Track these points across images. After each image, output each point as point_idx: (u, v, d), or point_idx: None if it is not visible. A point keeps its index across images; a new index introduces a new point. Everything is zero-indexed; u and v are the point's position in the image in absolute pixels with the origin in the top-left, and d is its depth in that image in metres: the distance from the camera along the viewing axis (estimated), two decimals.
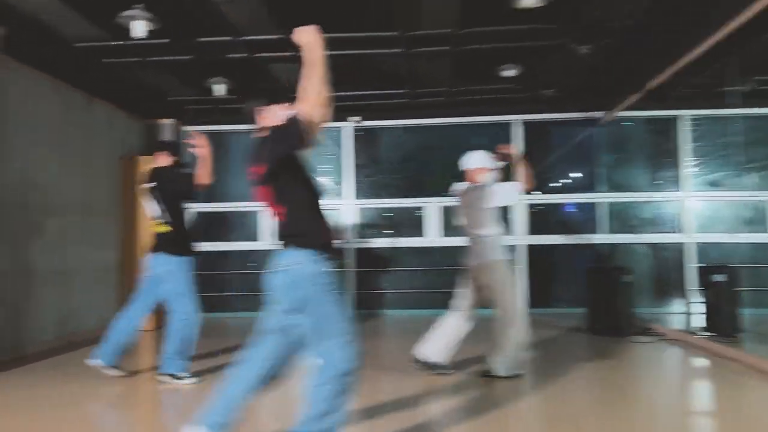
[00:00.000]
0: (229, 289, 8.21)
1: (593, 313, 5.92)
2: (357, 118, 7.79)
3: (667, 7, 4.50)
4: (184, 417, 3.00)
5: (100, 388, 4.14)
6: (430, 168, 8.28)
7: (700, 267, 6.10)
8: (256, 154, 2.42)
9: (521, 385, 3.94)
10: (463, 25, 4.80)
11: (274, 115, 2.48)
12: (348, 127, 7.92)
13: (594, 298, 5.96)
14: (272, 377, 2.37)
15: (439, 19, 4.67)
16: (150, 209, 4.19)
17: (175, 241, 4.06)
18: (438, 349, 4.09)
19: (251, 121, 2.57)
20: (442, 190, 7.85)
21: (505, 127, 7.78)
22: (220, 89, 6.17)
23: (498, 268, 3.98)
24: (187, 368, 4.11)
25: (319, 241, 2.34)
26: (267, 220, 7.90)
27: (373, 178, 8.14)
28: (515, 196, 4.14)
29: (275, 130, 2.35)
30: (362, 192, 8.02)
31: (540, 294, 7.69)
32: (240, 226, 8.31)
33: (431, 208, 7.79)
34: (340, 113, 7.59)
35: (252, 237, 8.04)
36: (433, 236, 7.78)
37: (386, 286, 8.02)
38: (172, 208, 4.09)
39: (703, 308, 5.79)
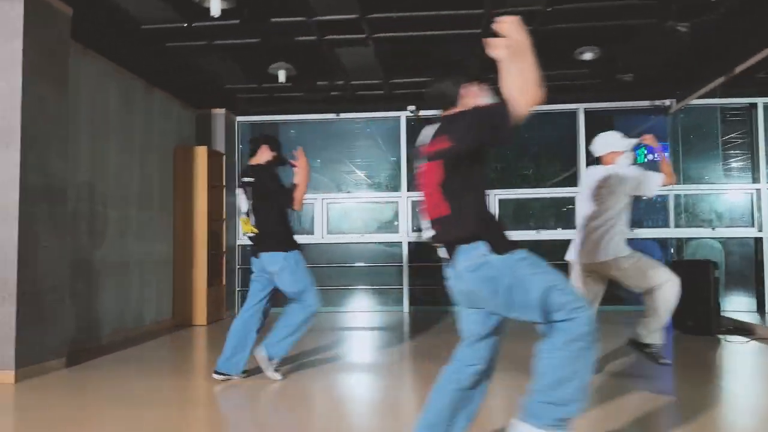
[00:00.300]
0: None
1: (679, 311, 5.56)
2: (412, 107, 7.51)
3: None
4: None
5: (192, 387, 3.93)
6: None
7: None
8: (442, 129, 2.14)
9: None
10: (551, 1, 4.49)
11: (474, 96, 2.20)
12: (403, 116, 7.65)
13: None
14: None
15: None
16: (243, 205, 3.97)
17: (275, 237, 3.82)
18: None
19: (436, 99, 2.28)
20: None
21: (571, 116, 7.48)
22: (281, 75, 5.92)
23: (626, 262, 3.58)
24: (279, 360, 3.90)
25: (497, 232, 2.06)
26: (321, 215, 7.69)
27: None
28: (656, 188, 3.74)
29: (480, 111, 2.03)
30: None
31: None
32: None
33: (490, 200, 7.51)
34: (396, 102, 7.38)
35: (309, 230, 7.82)
36: None
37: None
38: (263, 209, 3.85)
39: None
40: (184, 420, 3.19)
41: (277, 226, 3.83)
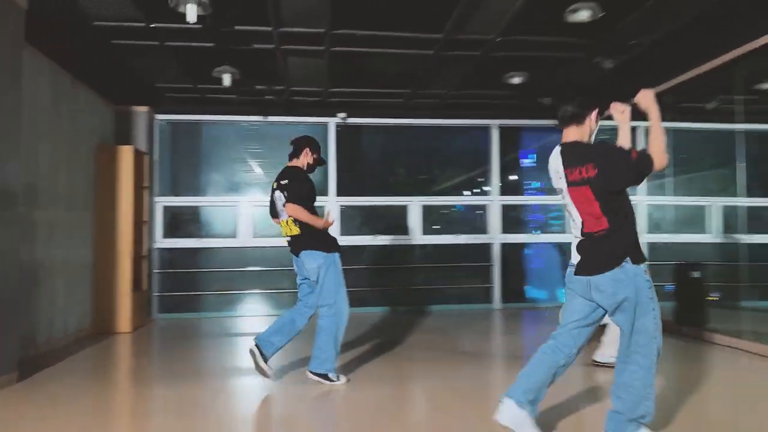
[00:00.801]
0: (198, 288, 7.79)
1: None
2: (342, 114, 7.73)
3: (679, 32, 4.98)
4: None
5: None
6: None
7: (679, 265, 6.77)
8: (584, 156, 2.59)
9: None
10: (506, 32, 4.98)
11: (594, 120, 2.71)
12: (332, 123, 7.84)
13: None
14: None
15: (491, 22, 4.80)
16: (278, 207, 4.05)
17: (316, 238, 3.89)
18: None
19: (570, 116, 2.68)
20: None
21: (485, 130, 8.16)
22: (226, 78, 5.89)
23: None
24: (335, 367, 3.96)
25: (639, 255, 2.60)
26: (246, 217, 7.64)
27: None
28: None
29: (632, 159, 2.50)
30: (344, 189, 7.96)
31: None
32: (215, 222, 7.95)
33: (414, 207, 7.95)
34: (327, 109, 7.57)
35: (231, 233, 7.72)
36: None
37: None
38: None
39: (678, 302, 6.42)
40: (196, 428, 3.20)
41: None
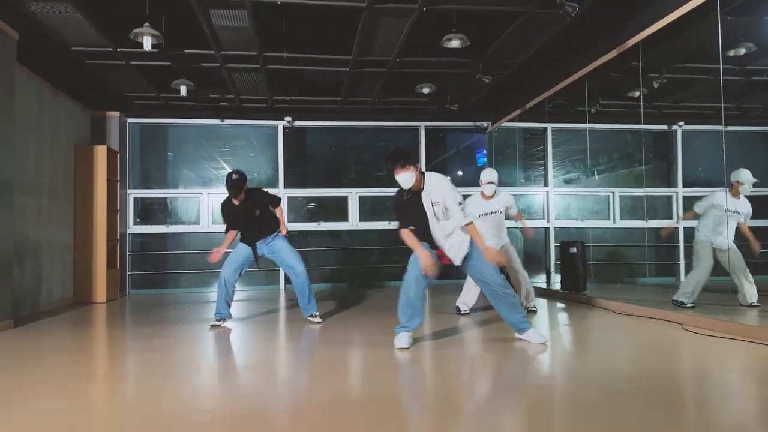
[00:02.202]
0: (167, 267, 9.04)
1: None
2: (288, 118, 9.01)
3: (545, 53, 6.33)
4: None
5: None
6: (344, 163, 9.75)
7: (561, 243, 8.15)
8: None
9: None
10: (401, 54, 6.29)
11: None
12: (280, 125, 9.12)
13: None
14: None
15: (383, 48, 6.11)
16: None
17: None
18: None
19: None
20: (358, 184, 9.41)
21: (414, 131, 9.48)
22: (183, 90, 7.13)
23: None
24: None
25: None
26: (207, 207, 8.91)
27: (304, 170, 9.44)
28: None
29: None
30: (290, 182, 9.25)
31: None
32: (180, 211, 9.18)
33: (352, 197, 9.26)
34: (274, 113, 8.84)
35: (195, 221, 8.98)
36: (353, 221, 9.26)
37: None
38: None
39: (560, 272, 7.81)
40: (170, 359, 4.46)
41: None
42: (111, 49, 5.98)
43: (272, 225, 5.46)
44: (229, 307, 5.41)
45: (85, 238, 7.69)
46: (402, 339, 4.16)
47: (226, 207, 5.38)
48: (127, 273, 8.73)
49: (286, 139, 9.17)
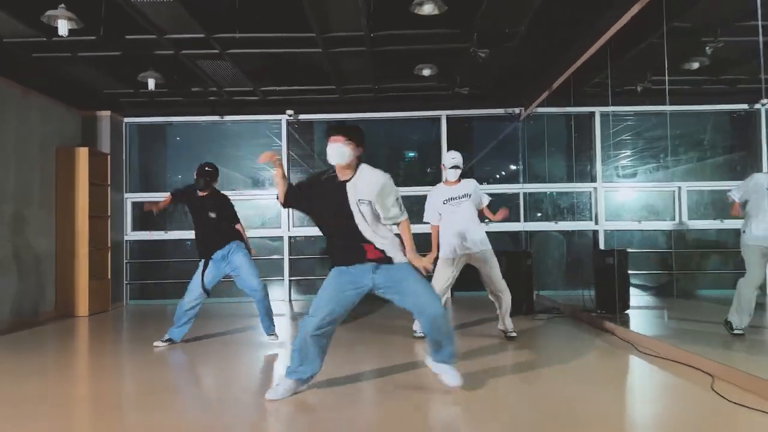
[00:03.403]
0: (164, 277, 8.45)
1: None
2: (290, 112, 8.14)
3: (551, 16, 5.00)
4: None
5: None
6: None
7: (597, 251, 6.70)
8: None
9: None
10: (372, 28, 5.21)
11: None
12: (283, 119, 8.26)
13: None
14: None
15: (347, 22, 5.06)
16: None
17: None
18: None
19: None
20: None
21: (436, 121, 8.30)
22: (151, 83, 6.43)
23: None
24: None
25: None
26: None
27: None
28: None
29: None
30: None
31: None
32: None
33: None
34: (274, 106, 8.00)
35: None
36: None
37: None
38: None
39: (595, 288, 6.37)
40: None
41: None
42: (45, 39, 5.34)
43: (228, 236, 5.05)
44: (186, 327, 5.02)
45: (66, 247, 7.21)
46: (279, 388, 3.21)
47: (188, 193, 5.11)
48: (125, 282, 8.24)
49: (290, 135, 8.31)
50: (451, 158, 4.87)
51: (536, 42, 5.62)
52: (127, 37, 5.38)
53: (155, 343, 4.94)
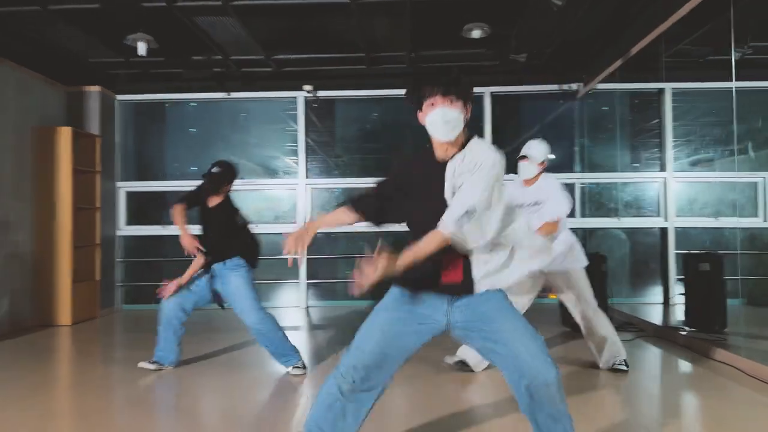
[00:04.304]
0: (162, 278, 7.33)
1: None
2: (309, 88, 6.97)
3: None
4: None
5: None
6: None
7: (683, 254, 5.51)
8: None
9: None
10: None
11: None
12: (300, 96, 7.10)
13: None
14: None
15: None
16: None
17: None
18: None
19: None
20: None
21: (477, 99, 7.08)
22: (141, 47, 5.28)
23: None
24: None
25: None
26: None
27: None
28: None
29: None
30: (314, 171, 7.25)
31: None
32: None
33: None
34: (290, 81, 6.84)
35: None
36: None
37: None
38: None
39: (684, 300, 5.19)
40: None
41: None
42: None
43: (235, 249, 3.90)
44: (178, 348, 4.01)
45: (45, 244, 6.12)
46: None
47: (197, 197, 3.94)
48: (117, 284, 7.14)
49: (308, 115, 7.15)
50: (527, 148, 3.65)
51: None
52: None
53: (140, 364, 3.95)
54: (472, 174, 1.89)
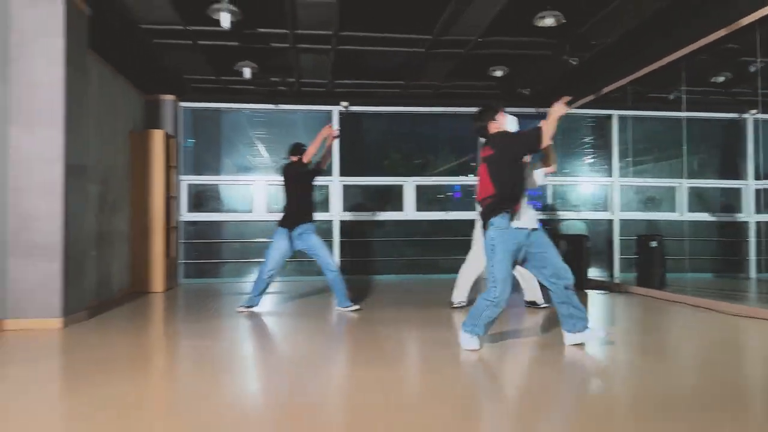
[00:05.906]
0: (221, 257, 8.78)
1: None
2: (345, 103, 8.66)
3: (631, 36, 5.90)
4: None
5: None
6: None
7: (639, 236, 7.75)
8: (488, 142, 3.70)
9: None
10: (486, 33, 5.89)
11: (497, 124, 3.79)
12: (335, 110, 8.77)
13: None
14: None
15: (472, 26, 5.71)
16: None
17: None
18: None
19: (477, 131, 3.82)
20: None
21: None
22: (246, 72, 6.80)
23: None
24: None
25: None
26: (260, 194, 8.63)
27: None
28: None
29: (515, 136, 3.71)
30: (347, 170, 8.94)
31: None
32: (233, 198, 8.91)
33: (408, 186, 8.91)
34: (331, 98, 8.49)
35: (248, 209, 8.71)
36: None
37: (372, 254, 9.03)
38: None
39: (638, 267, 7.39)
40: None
41: None
42: (181, 27, 5.66)
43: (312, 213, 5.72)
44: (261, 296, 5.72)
45: (142, 226, 7.44)
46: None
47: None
48: (179, 261, 8.49)
49: (342, 124, 8.84)
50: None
51: (604, 54, 6.49)
52: (260, 30, 5.79)
53: (237, 309, 5.76)
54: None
